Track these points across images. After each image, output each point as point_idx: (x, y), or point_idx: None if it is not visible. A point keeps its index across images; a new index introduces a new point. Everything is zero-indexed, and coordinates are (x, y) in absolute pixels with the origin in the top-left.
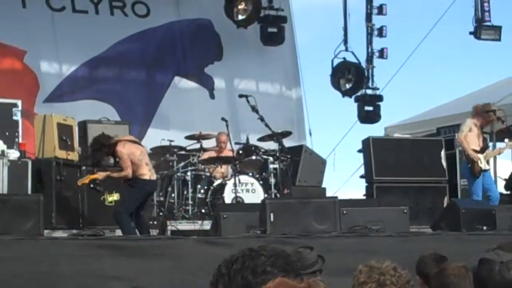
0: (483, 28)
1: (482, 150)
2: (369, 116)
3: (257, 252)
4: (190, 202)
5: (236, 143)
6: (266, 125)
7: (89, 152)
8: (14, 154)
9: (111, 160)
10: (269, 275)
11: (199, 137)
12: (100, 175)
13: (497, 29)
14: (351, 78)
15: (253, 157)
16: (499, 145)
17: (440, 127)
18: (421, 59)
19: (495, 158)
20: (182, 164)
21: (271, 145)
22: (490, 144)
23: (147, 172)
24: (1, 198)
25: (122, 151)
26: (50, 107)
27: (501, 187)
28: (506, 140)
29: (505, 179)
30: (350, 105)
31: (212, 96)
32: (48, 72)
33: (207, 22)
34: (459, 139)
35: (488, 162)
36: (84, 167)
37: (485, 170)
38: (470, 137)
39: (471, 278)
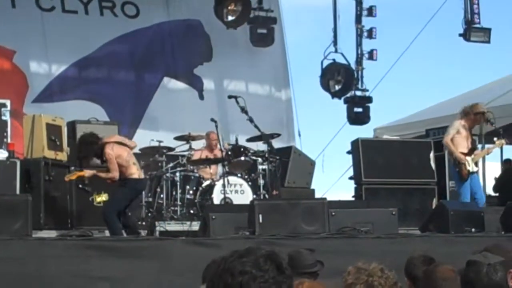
0: (472, 30)
1: (470, 152)
2: (358, 117)
3: (237, 254)
4: (179, 203)
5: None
6: (256, 126)
7: (78, 147)
8: (2, 154)
9: (98, 161)
10: (246, 275)
11: (188, 138)
12: (87, 172)
13: (487, 31)
14: (340, 79)
15: (242, 158)
16: (487, 147)
17: (429, 129)
18: (410, 61)
19: (484, 159)
20: (171, 164)
21: (261, 146)
22: (479, 146)
23: (136, 171)
24: None
25: (110, 153)
26: (39, 107)
27: (490, 189)
28: (495, 139)
29: (494, 178)
30: (339, 107)
31: (201, 97)
32: (37, 72)
33: (196, 22)
34: (445, 142)
35: (476, 164)
36: (72, 167)
37: (473, 173)
38: (458, 139)
39: (459, 281)
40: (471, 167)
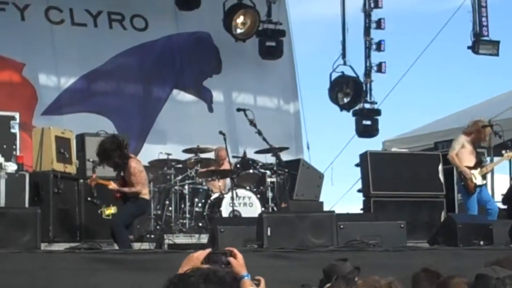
0: (481, 42)
1: (476, 165)
2: (367, 130)
3: (187, 275)
4: (188, 215)
5: (234, 157)
6: (264, 139)
7: (100, 150)
8: (11, 167)
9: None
10: None
11: (197, 151)
12: (112, 185)
13: (495, 43)
14: (349, 92)
15: (251, 171)
16: (496, 160)
17: (437, 142)
18: (419, 73)
19: (492, 172)
20: (179, 177)
21: (269, 159)
22: (488, 158)
23: (147, 193)
24: None
25: (136, 167)
26: (48, 120)
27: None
28: (503, 151)
29: (502, 194)
30: (348, 119)
31: (210, 109)
32: (46, 85)
33: (206, 35)
34: (450, 157)
35: (484, 177)
36: (81, 180)
37: (481, 185)
38: (462, 154)
39: None
40: (477, 180)
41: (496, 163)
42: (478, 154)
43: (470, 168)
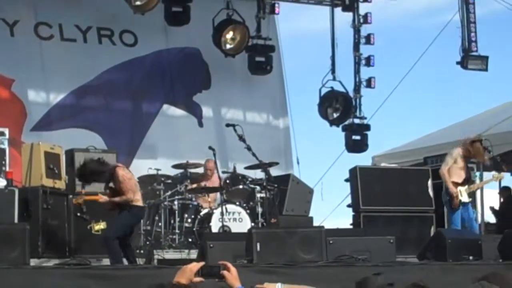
0: (470, 58)
1: (465, 182)
2: (356, 145)
3: None
4: (177, 231)
5: (224, 172)
6: (253, 154)
7: (83, 175)
8: (0, 182)
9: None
10: None
11: (186, 166)
12: (102, 198)
13: (484, 59)
14: (338, 107)
15: (240, 186)
16: (486, 175)
17: (427, 157)
18: (408, 89)
19: (481, 188)
20: (169, 193)
21: (259, 174)
22: (477, 173)
23: (140, 199)
24: None
25: (124, 175)
26: (38, 136)
27: (487, 217)
28: (493, 172)
29: (491, 208)
30: (337, 134)
31: (200, 124)
32: (35, 101)
33: (195, 50)
34: (442, 172)
35: (470, 195)
36: (71, 196)
37: (465, 203)
38: (454, 169)
39: None
40: (463, 197)
41: (484, 182)
42: (469, 170)
43: (458, 184)
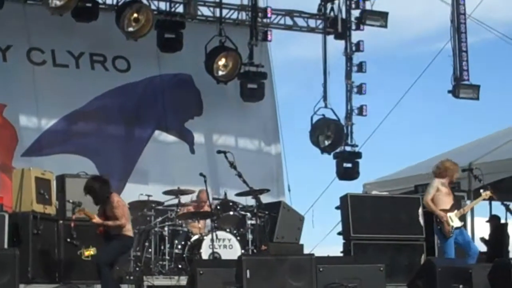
0: (461, 86)
1: (453, 207)
2: (347, 173)
3: None
4: (167, 257)
5: (214, 199)
6: (244, 181)
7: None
8: None
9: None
10: None
11: (177, 193)
12: (96, 219)
13: (476, 88)
14: (330, 135)
15: (231, 213)
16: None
17: (418, 185)
18: (400, 117)
19: (472, 215)
20: (159, 219)
21: (250, 201)
22: (468, 202)
23: (131, 229)
24: None
25: (119, 201)
26: (29, 161)
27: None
28: (481, 191)
29: (481, 238)
30: (329, 162)
31: (192, 150)
32: (27, 126)
33: (187, 77)
34: (425, 202)
35: (462, 218)
36: (61, 221)
37: (459, 227)
38: (438, 197)
39: None
40: (454, 222)
41: (475, 203)
42: (454, 195)
43: (446, 211)
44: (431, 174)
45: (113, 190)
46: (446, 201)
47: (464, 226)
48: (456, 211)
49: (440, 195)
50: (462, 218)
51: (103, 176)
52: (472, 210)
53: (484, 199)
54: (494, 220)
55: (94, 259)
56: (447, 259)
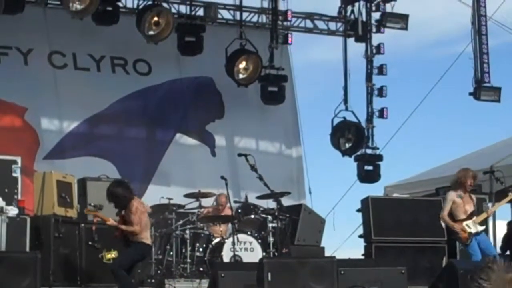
0: (482, 89)
1: (471, 215)
2: (368, 175)
3: None
4: (189, 260)
5: (235, 202)
6: (265, 184)
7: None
8: (13, 211)
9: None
10: None
11: (198, 196)
12: (111, 221)
13: (497, 90)
14: (351, 137)
15: (252, 216)
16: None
17: (439, 187)
18: (421, 119)
19: (494, 218)
20: (181, 222)
21: (271, 204)
22: (489, 204)
23: (149, 237)
24: None
25: (138, 208)
26: (50, 164)
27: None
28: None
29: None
30: (350, 165)
31: (213, 153)
32: (48, 129)
33: (208, 80)
34: (442, 218)
35: (482, 223)
36: (82, 225)
37: (478, 233)
38: (456, 210)
39: None
40: (472, 229)
41: (500, 204)
42: (473, 202)
43: (463, 220)
44: (452, 177)
45: (135, 195)
46: (464, 210)
47: (486, 229)
48: (475, 217)
49: (456, 207)
50: (482, 223)
51: (125, 181)
52: (494, 212)
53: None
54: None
55: (110, 264)
56: (469, 262)
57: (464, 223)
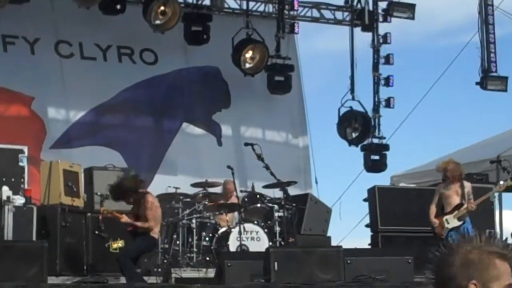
0: (489, 78)
1: (454, 208)
2: (375, 165)
3: None
4: (195, 249)
5: (242, 191)
6: (272, 173)
7: (115, 188)
8: (19, 200)
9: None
10: None
11: (205, 185)
12: (124, 219)
13: (504, 79)
14: (357, 127)
15: (258, 205)
16: (506, 196)
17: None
18: (427, 109)
19: (500, 208)
20: (187, 211)
21: (277, 193)
22: (496, 194)
23: (157, 232)
24: (5, 244)
25: (153, 202)
26: (57, 153)
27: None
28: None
29: None
30: (356, 154)
31: (219, 143)
32: (55, 118)
33: (215, 69)
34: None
35: (460, 218)
36: (89, 214)
37: (455, 227)
38: (444, 201)
39: None
40: (450, 224)
41: (484, 197)
42: (463, 193)
43: (446, 214)
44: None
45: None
46: (449, 203)
47: (491, 225)
48: (456, 211)
49: (444, 199)
50: (462, 218)
51: (132, 173)
52: (500, 203)
53: (498, 191)
54: None
55: (118, 253)
56: None
57: (445, 217)
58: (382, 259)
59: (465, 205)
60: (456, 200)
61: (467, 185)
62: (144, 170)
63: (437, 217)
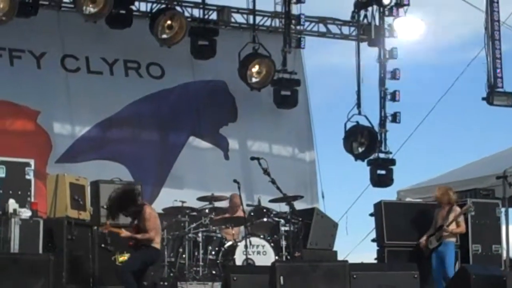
0: (495, 94)
1: (438, 229)
2: (381, 179)
3: None
4: (201, 263)
5: (248, 205)
6: (278, 188)
7: (113, 203)
8: (26, 213)
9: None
10: None
11: (211, 199)
12: (124, 233)
13: (510, 95)
14: (364, 141)
15: (265, 219)
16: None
17: None
18: (434, 124)
19: (507, 223)
20: (193, 225)
21: (283, 207)
22: (503, 209)
23: (159, 242)
24: (11, 257)
25: (151, 213)
26: (62, 168)
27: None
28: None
29: None
30: (362, 169)
31: (226, 157)
32: (61, 133)
33: (221, 83)
34: None
35: (439, 239)
36: (95, 227)
37: (434, 249)
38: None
39: None
40: (432, 244)
41: (457, 216)
42: (444, 216)
43: (431, 235)
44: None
45: (145, 201)
46: (434, 225)
47: (496, 238)
48: (436, 233)
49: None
50: (439, 238)
51: (131, 187)
52: (506, 218)
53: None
54: None
55: (120, 266)
56: (482, 267)
57: (430, 238)
58: (388, 274)
59: (456, 213)
60: (439, 222)
61: (456, 210)
62: (151, 183)
63: (428, 237)
